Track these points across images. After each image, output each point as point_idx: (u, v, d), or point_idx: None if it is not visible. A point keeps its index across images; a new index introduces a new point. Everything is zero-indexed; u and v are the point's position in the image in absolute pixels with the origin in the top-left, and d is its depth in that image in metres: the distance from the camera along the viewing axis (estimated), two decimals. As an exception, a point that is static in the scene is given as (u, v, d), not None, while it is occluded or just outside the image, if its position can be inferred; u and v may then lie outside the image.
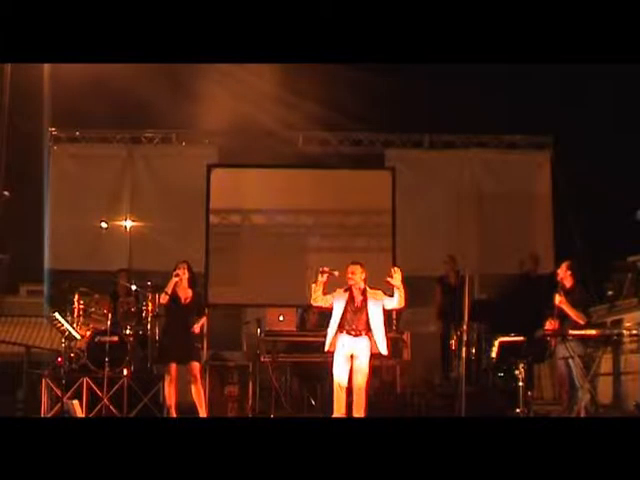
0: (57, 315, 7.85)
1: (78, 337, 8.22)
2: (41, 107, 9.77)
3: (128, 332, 8.78)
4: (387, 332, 7.46)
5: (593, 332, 7.14)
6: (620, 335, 7.24)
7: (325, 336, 7.37)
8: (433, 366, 9.90)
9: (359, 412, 7.13)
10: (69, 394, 8.08)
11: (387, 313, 7.57)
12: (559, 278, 7.47)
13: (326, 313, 7.68)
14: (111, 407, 8.18)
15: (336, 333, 7.27)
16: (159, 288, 8.30)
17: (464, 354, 7.75)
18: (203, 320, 8.25)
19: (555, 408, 7.95)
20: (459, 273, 9.85)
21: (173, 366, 7.80)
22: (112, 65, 6.54)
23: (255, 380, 8.81)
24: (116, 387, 8.25)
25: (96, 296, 9.01)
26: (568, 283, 7.42)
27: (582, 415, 6.79)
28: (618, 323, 7.79)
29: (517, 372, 7.09)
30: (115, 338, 8.41)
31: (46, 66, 8.54)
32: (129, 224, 11.20)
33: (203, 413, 7.81)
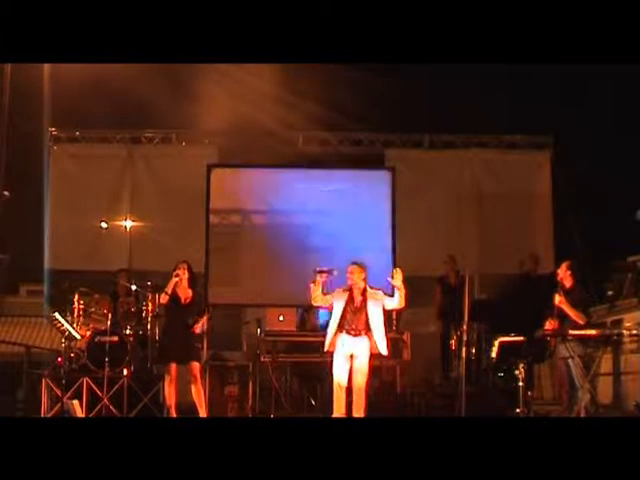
0: (57, 315, 7.85)
1: (78, 337, 8.22)
2: (41, 107, 9.76)
3: (128, 332, 8.78)
4: (387, 332, 7.46)
5: (593, 332, 7.14)
6: (620, 335, 7.24)
7: (325, 336, 7.37)
8: (433, 366, 9.90)
9: (359, 412, 7.13)
10: (69, 394, 8.08)
11: (387, 313, 7.57)
12: (559, 278, 7.47)
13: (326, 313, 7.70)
14: (111, 407, 8.17)
15: (336, 333, 7.28)
16: (159, 288, 8.30)
17: (464, 354, 7.75)
18: (204, 320, 8.25)
19: (555, 408, 7.94)
20: (459, 273, 9.85)
21: (173, 366, 7.80)
22: (112, 65, 6.53)
23: (255, 380, 8.80)
24: (116, 387, 8.25)
25: (96, 296, 9.01)
26: (568, 283, 7.42)
27: (582, 415, 6.79)
28: (618, 323, 7.79)
29: (517, 372, 7.09)
30: (115, 338, 8.41)
31: (46, 66, 8.54)
32: (129, 224, 11.21)
33: (203, 413, 7.81)
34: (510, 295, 9.51)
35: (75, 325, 8.47)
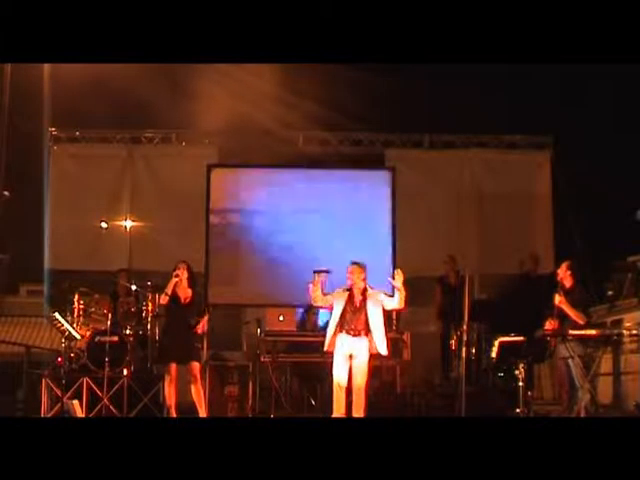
0: (57, 315, 7.85)
1: (78, 337, 8.22)
2: (41, 107, 9.76)
3: (128, 332, 8.78)
4: (387, 332, 7.46)
5: (593, 332, 7.14)
6: (620, 335, 7.24)
7: (325, 336, 7.37)
8: (433, 366, 9.90)
9: (359, 412, 7.14)
10: (69, 394, 8.08)
11: (387, 313, 7.57)
12: (559, 278, 7.47)
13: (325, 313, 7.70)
14: (111, 407, 8.17)
15: (335, 333, 7.28)
16: (159, 288, 8.30)
17: (464, 354, 7.75)
18: (204, 320, 8.25)
19: (555, 408, 7.94)
20: (459, 273, 9.85)
21: (173, 366, 7.80)
22: (112, 65, 6.52)
23: (255, 380, 8.80)
24: (116, 387, 8.25)
25: (96, 296, 9.00)
26: (568, 283, 7.42)
27: (582, 415, 6.79)
28: (618, 323, 7.78)
29: (517, 372, 7.09)
30: (115, 338, 8.41)
31: (46, 66, 8.53)
32: (129, 224, 11.21)
33: (203, 413, 7.81)
34: (510, 295, 9.51)
35: (75, 325, 8.47)
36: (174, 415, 7.73)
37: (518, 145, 11.64)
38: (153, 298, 8.80)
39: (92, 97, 9.60)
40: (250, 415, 8.60)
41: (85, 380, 8.24)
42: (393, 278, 7.19)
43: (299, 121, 10.71)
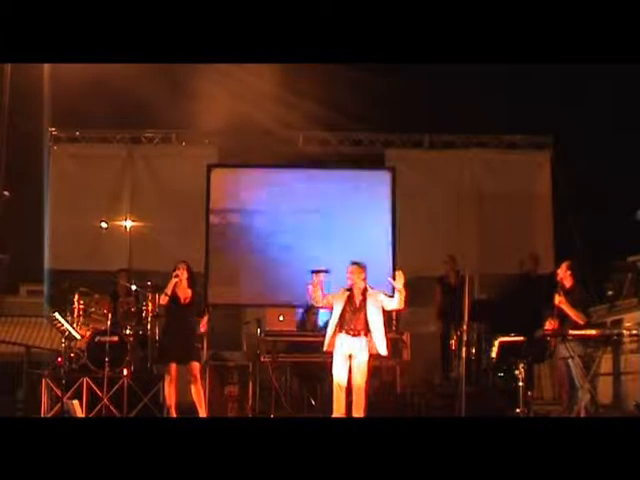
0: (57, 315, 7.85)
1: (78, 337, 8.22)
2: (41, 107, 9.76)
3: (128, 332, 8.78)
4: (387, 332, 7.47)
5: (593, 332, 7.14)
6: (620, 335, 7.24)
7: (325, 336, 7.37)
8: (433, 366, 9.89)
9: (358, 412, 7.14)
10: (69, 394, 8.08)
11: (387, 313, 7.57)
12: (559, 278, 7.47)
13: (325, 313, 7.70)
14: (111, 407, 8.17)
15: (335, 333, 7.28)
16: (159, 288, 8.30)
17: (464, 354, 7.75)
18: (204, 320, 8.26)
19: (555, 408, 7.94)
20: (459, 273, 9.85)
21: (173, 366, 7.80)
22: (112, 65, 6.52)
23: (255, 380, 8.80)
24: (116, 387, 8.25)
25: (96, 296, 9.00)
26: (568, 283, 7.42)
27: (582, 415, 6.79)
28: (618, 323, 7.78)
29: (517, 372, 7.09)
30: (115, 338, 8.41)
31: (46, 66, 8.53)
32: (129, 224, 11.21)
33: (203, 413, 7.81)
34: (510, 295, 9.51)
35: (75, 325, 8.47)
36: (174, 415, 7.73)
37: (518, 145, 11.64)
38: (153, 298, 8.80)
39: (92, 97, 9.60)
40: (250, 415, 8.59)
41: (85, 380, 8.24)
42: (394, 279, 7.19)
43: (299, 121, 10.71)
